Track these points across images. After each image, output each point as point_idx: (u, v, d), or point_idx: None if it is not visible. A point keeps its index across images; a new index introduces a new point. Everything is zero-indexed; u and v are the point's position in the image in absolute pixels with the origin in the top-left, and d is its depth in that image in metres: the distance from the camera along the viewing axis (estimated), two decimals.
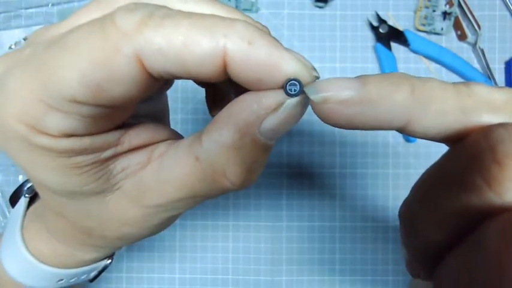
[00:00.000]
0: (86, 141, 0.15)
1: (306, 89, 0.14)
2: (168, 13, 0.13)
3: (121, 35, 0.13)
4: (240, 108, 0.15)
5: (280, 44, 0.14)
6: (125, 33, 0.13)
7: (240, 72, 0.14)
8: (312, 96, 0.14)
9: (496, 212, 0.12)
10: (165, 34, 0.13)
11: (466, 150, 0.13)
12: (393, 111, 0.14)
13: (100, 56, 0.13)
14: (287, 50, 0.14)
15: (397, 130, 0.14)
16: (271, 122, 0.15)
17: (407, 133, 0.14)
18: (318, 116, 0.14)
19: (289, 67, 0.14)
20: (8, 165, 0.43)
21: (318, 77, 0.15)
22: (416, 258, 0.15)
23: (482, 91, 0.14)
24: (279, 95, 0.15)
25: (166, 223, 0.20)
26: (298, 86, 0.14)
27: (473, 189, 0.12)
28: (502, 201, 0.11)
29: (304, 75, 0.14)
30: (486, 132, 0.12)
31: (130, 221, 0.19)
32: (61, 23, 0.16)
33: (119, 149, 0.17)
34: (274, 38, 0.14)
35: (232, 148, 0.15)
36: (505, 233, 0.11)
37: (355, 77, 0.14)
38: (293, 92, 0.14)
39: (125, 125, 0.17)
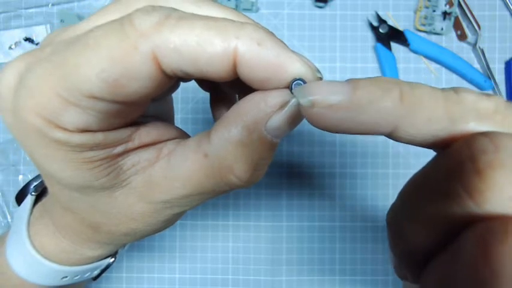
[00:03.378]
0: (99, 137, 0.16)
1: (294, 92, 0.15)
2: (184, 15, 0.14)
3: (139, 34, 0.13)
4: (248, 107, 0.16)
5: (287, 46, 0.15)
6: (142, 32, 0.13)
7: (249, 71, 0.15)
8: (301, 100, 0.14)
9: (475, 221, 0.11)
10: (181, 34, 0.14)
11: (449, 158, 0.13)
12: (381, 117, 0.14)
13: (118, 54, 0.13)
14: (293, 52, 0.15)
15: (384, 135, 0.14)
16: (277, 119, 0.16)
17: (394, 139, 0.14)
18: (306, 119, 0.15)
19: (295, 67, 0.15)
20: (8, 165, 0.43)
21: (321, 78, 0.16)
22: (402, 262, 0.15)
23: (471, 98, 0.14)
24: (285, 94, 0.15)
25: (172, 220, 0.21)
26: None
27: (454, 197, 0.12)
28: (481, 211, 0.11)
29: (309, 76, 0.15)
30: (469, 141, 0.12)
31: (137, 217, 0.19)
32: (80, 23, 0.16)
33: (130, 145, 0.17)
34: (281, 40, 0.15)
35: (240, 145, 0.16)
36: (481, 243, 0.11)
37: (344, 81, 0.14)
38: None
39: (135, 123, 0.18)
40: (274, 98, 0.15)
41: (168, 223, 0.21)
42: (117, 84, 0.14)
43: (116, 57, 0.13)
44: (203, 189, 0.18)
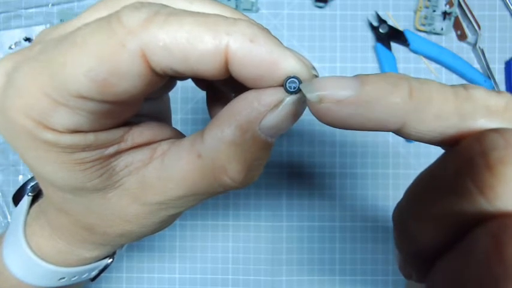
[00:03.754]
0: (90, 138, 0.15)
1: (302, 87, 0.14)
2: (173, 11, 0.14)
3: (127, 31, 0.13)
4: (241, 106, 0.15)
5: (281, 43, 0.15)
6: (130, 29, 0.13)
7: (241, 69, 0.14)
8: (308, 95, 0.14)
9: (486, 218, 0.11)
10: (170, 31, 0.13)
11: (459, 154, 0.13)
12: (390, 113, 0.13)
13: (106, 52, 0.13)
14: (287, 48, 0.15)
15: (393, 132, 0.14)
16: (271, 119, 0.15)
17: (403, 135, 0.14)
18: (313, 114, 0.14)
19: (288, 65, 0.14)
20: (8, 165, 0.43)
21: (316, 76, 0.15)
22: (408, 260, 0.15)
23: (481, 95, 0.13)
24: (279, 92, 0.15)
25: (167, 221, 0.21)
26: (297, 84, 0.15)
27: (464, 194, 0.12)
28: (493, 208, 0.11)
29: (303, 73, 0.15)
30: (480, 137, 0.12)
31: (131, 218, 0.19)
32: (70, 21, 0.16)
33: (122, 146, 0.17)
34: (275, 37, 0.15)
35: (233, 145, 0.16)
36: (494, 240, 0.11)
37: (353, 76, 0.14)
38: (292, 89, 0.15)
39: (128, 123, 0.17)
40: (268, 97, 0.15)
41: (164, 224, 0.20)
42: (105, 84, 0.13)
43: (103, 56, 0.13)
44: (197, 190, 0.17)
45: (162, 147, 0.18)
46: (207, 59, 0.14)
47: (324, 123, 0.14)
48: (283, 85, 0.15)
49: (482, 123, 0.13)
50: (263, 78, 0.15)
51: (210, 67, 0.14)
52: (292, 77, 0.14)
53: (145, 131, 0.18)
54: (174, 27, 0.13)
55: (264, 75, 0.14)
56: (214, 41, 0.13)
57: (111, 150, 0.17)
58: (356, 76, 0.14)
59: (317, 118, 0.14)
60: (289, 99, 0.15)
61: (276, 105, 0.15)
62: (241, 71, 0.14)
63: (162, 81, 0.15)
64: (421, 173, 0.14)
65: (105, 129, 0.16)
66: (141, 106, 0.18)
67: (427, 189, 0.13)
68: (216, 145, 0.16)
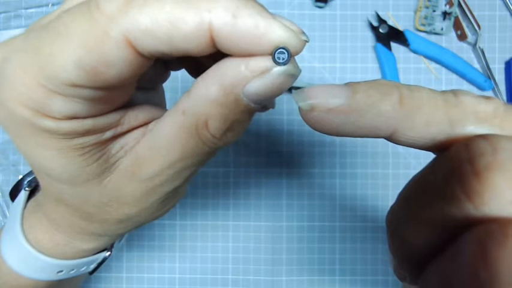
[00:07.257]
0: (88, 123, 0.16)
1: (294, 96, 0.14)
2: None
3: (107, 17, 0.13)
4: (228, 67, 0.15)
5: (267, 11, 0.14)
6: (110, 16, 0.13)
7: (227, 44, 0.14)
8: (300, 104, 0.14)
9: (474, 223, 0.11)
10: (150, 14, 0.13)
11: (448, 160, 0.13)
12: (380, 121, 0.14)
13: (90, 40, 0.13)
14: (274, 17, 0.14)
15: (384, 138, 0.15)
16: (255, 85, 0.15)
17: (394, 141, 0.14)
18: (305, 122, 0.14)
19: (276, 35, 0.14)
20: (8, 165, 0.43)
21: (307, 41, 0.15)
22: (401, 263, 0.15)
23: (470, 101, 0.14)
24: (267, 60, 0.15)
25: (166, 203, 0.21)
26: (286, 55, 0.14)
27: (453, 200, 0.12)
28: (480, 214, 0.11)
29: (292, 42, 0.14)
30: (468, 144, 0.12)
31: (129, 200, 0.19)
32: (56, 10, 0.16)
33: (119, 129, 0.17)
34: (260, 5, 0.14)
35: (216, 103, 0.16)
36: (480, 245, 0.11)
37: (344, 85, 0.14)
38: (281, 61, 0.14)
39: (124, 107, 0.18)
40: (255, 63, 0.15)
41: (162, 207, 0.21)
42: (95, 72, 0.13)
43: (89, 45, 0.13)
44: (186, 152, 0.17)
45: (153, 123, 0.18)
46: (191, 39, 0.14)
47: (316, 130, 0.14)
48: (272, 55, 0.14)
49: (471, 129, 0.13)
50: (251, 51, 0.14)
51: (195, 45, 0.14)
52: (281, 48, 0.14)
53: (140, 114, 0.18)
54: (154, 9, 0.13)
55: (251, 49, 0.14)
56: (196, 19, 0.13)
57: (108, 134, 0.17)
58: (347, 84, 0.14)
59: (309, 126, 0.14)
60: (277, 70, 0.15)
61: (263, 73, 0.15)
62: (228, 46, 0.14)
63: (151, 62, 0.15)
64: (413, 177, 0.14)
65: (102, 114, 0.16)
66: (138, 97, 0.18)
67: (418, 193, 0.14)
68: (200, 101, 0.16)
